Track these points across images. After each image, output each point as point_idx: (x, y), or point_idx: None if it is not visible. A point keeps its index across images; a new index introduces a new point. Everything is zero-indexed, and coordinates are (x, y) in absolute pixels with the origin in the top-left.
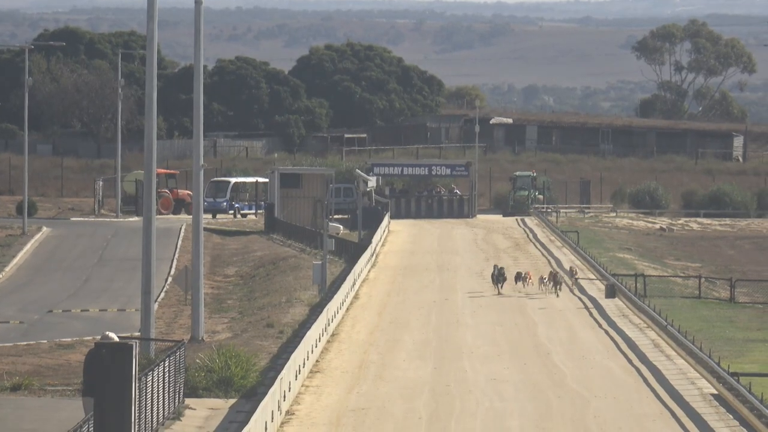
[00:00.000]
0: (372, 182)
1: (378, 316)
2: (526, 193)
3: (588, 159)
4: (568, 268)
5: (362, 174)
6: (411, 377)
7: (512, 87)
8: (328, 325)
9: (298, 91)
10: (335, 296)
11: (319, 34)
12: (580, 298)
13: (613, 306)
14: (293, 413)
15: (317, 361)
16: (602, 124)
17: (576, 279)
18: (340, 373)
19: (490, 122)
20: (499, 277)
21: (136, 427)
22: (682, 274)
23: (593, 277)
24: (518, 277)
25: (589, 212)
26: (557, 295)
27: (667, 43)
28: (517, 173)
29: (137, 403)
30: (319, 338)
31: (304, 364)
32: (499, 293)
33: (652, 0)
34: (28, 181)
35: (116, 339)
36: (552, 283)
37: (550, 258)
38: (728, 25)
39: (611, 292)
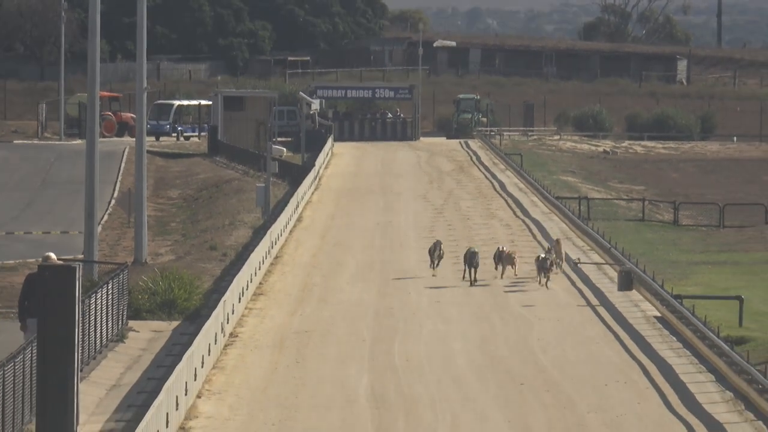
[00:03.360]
0: (315, 105)
1: (321, 239)
2: (470, 116)
3: (531, 82)
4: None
5: (306, 97)
6: (354, 300)
7: (456, 10)
8: (272, 247)
9: (241, 14)
10: (278, 219)
11: None
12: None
13: (557, 228)
14: (237, 336)
15: (261, 283)
16: (546, 48)
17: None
18: (283, 295)
19: (434, 45)
20: (434, 252)
21: (80, 349)
22: (625, 197)
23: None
24: (498, 257)
25: (533, 135)
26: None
27: None
28: (461, 96)
29: (81, 325)
30: (263, 261)
31: (247, 286)
32: (433, 272)
33: None
34: None
35: (56, 259)
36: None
37: (493, 181)
38: None
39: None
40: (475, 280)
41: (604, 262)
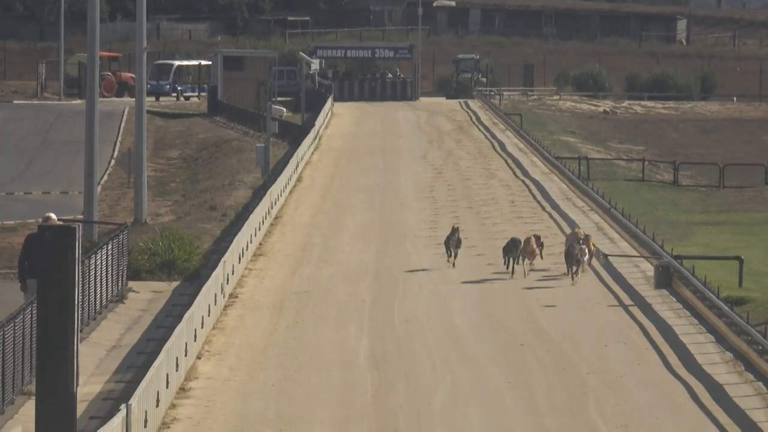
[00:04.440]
0: (315, 65)
1: (321, 199)
2: (470, 75)
3: (531, 42)
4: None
5: (305, 57)
6: (354, 260)
7: None
8: (272, 207)
9: None
10: (278, 179)
11: None
12: (524, 181)
13: (557, 189)
14: (236, 296)
15: (260, 244)
16: (545, 8)
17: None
18: (283, 256)
19: (434, 5)
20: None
21: (80, 309)
22: (625, 157)
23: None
24: (513, 246)
25: (533, 95)
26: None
27: None
28: (461, 56)
29: (81, 285)
30: (263, 221)
31: (247, 247)
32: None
33: None
34: None
35: (56, 220)
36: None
37: (493, 141)
38: None
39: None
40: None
41: (638, 255)
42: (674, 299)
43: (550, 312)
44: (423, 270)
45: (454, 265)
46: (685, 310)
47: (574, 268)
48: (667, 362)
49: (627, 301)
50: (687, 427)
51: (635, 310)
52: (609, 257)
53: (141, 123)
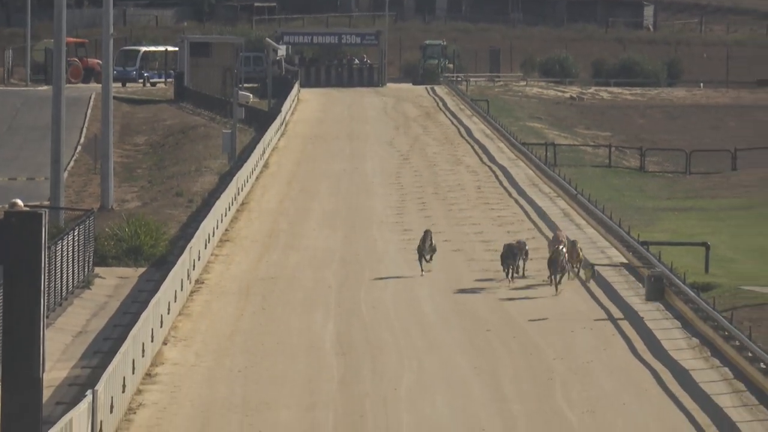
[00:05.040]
0: (282, 51)
1: (287, 185)
2: (436, 61)
3: (498, 28)
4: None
5: (272, 43)
6: (321, 246)
7: None
8: (238, 194)
9: None
10: (245, 165)
11: None
12: (490, 167)
13: (523, 175)
14: (203, 282)
15: (227, 230)
16: None
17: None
18: (249, 242)
19: None
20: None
21: (46, 295)
22: (592, 143)
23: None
24: (511, 253)
25: (499, 81)
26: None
27: None
28: (427, 42)
29: (47, 271)
30: (229, 207)
31: (213, 233)
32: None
33: None
34: None
35: (23, 206)
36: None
37: (460, 127)
38: None
39: None
40: (521, 276)
41: (627, 262)
42: (640, 285)
43: (518, 303)
44: (390, 256)
45: (423, 273)
46: None
47: (558, 277)
48: (633, 348)
49: (595, 289)
50: (653, 412)
51: (597, 292)
52: (595, 267)
53: (107, 109)
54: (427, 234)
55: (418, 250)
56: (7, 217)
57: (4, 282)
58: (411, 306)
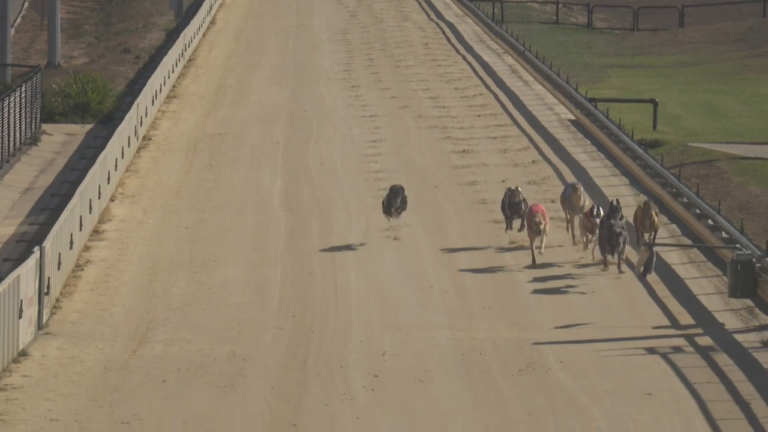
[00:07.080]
0: None
1: (235, 41)
2: None
3: None
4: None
5: None
6: (268, 102)
7: None
8: (185, 50)
9: None
10: (192, 21)
11: None
12: (438, 22)
13: (471, 31)
14: (150, 138)
15: (174, 86)
16: None
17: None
18: (197, 98)
19: None
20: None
21: None
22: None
23: None
24: (513, 208)
25: None
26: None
27: None
28: None
29: None
30: (176, 63)
31: (160, 89)
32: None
33: None
34: None
35: None
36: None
37: None
38: None
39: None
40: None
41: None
42: (588, 142)
43: (466, 155)
44: (337, 112)
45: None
46: (600, 152)
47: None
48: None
49: (537, 138)
50: (606, 273)
51: (545, 149)
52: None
53: None
54: (397, 192)
55: (383, 206)
56: None
57: None
58: (359, 161)
